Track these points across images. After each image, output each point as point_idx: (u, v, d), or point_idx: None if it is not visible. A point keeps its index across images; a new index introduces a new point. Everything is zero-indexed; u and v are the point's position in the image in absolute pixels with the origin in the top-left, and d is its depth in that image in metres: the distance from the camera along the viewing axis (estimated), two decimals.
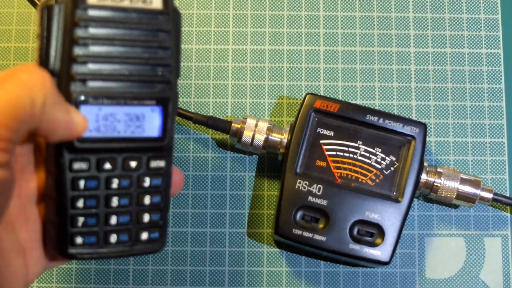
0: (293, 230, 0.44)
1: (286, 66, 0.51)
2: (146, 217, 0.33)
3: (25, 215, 0.32)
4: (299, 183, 0.44)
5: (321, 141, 0.45)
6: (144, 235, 0.33)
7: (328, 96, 0.50)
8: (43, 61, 0.30)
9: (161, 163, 0.33)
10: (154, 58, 0.31)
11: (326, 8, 0.52)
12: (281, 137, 0.46)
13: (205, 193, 0.49)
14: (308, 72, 0.51)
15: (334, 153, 0.45)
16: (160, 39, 0.31)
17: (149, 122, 0.32)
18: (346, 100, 0.50)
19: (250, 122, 0.46)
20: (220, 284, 0.48)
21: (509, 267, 0.49)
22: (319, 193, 0.44)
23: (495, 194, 0.46)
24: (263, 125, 0.46)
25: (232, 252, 0.48)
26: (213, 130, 0.49)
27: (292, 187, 0.44)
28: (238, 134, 0.46)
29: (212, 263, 0.48)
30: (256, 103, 0.50)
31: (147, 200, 0.33)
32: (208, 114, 0.50)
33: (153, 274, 0.48)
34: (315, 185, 0.44)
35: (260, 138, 0.46)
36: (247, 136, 0.46)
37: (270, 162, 0.50)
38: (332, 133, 0.46)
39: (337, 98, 0.50)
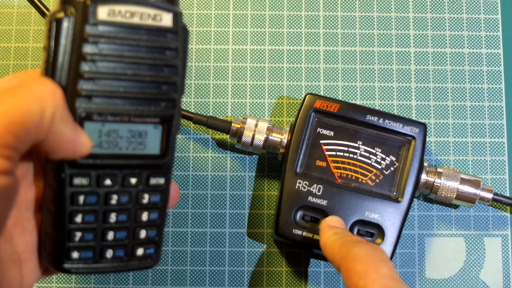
0: (293, 230, 0.44)
1: (286, 66, 0.51)
2: (143, 233, 0.33)
3: (22, 225, 0.32)
4: (299, 183, 0.44)
5: (321, 141, 0.45)
6: (140, 251, 0.33)
7: (328, 96, 0.50)
8: (49, 74, 0.30)
9: (160, 181, 0.33)
10: (160, 76, 0.31)
11: (326, 8, 0.52)
12: (281, 137, 0.46)
13: (205, 193, 0.49)
14: (308, 72, 0.51)
15: (334, 153, 0.45)
16: (167, 57, 0.31)
17: (151, 139, 0.32)
18: (346, 100, 0.50)
19: (250, 122, 0.46)
20: (220, 284, 0.48)
21: (509, 267, 0.49)
22: (319, 193, 0.44)
23: (495, 194, 0.46)
24: (263, 125, 0.46)
25: (232, 252, 0.48)
26: (213, 130, 0.49)
27: (292, 187, 0.44)
28: (238, 134, 0.46)
29: (212, 263, 0.48)
30: (256, 103, 0.50)
31: (144, 216, 0.33)
32: (208, 114, 0.50)
33: (153, 274, 0.48)
34: (315, 185, 0.44)
35: (260, 138, 0.46)
36: (247, 136, 0.46)
37: (270, 162, 0.50)
38: (332, 133, 0.46)
39: (337, 98, 0.50)
